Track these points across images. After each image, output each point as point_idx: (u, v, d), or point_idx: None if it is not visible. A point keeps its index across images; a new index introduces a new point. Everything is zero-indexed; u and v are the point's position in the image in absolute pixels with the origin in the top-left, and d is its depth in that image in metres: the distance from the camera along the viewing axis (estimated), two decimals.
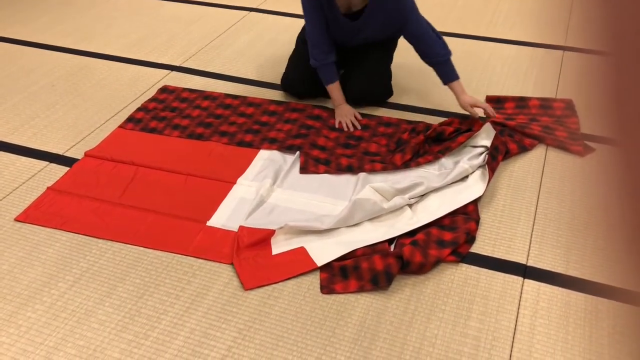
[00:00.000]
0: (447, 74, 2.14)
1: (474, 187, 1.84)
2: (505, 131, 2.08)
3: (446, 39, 2.87)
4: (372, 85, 2.28)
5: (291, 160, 2.01)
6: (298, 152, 2.04)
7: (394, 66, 2.39)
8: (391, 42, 2.33)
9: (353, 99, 2.25)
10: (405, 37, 2.19)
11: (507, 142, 2.02)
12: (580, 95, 2.05)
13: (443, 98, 2.35)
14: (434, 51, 2.12)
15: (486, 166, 1.88)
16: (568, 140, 2.05)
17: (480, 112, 2.14)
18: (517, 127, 2.09)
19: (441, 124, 2.13)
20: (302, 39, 2.34)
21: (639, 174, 0.32)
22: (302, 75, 2.31)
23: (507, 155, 1.99)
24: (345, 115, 2.19)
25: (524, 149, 2.02)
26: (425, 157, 1.97)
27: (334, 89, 2.21)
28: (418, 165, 1.94)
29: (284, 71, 2.38)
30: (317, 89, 2.30)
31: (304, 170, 1.96)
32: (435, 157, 1.96)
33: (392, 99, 2.36)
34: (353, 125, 2.17)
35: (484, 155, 1.94)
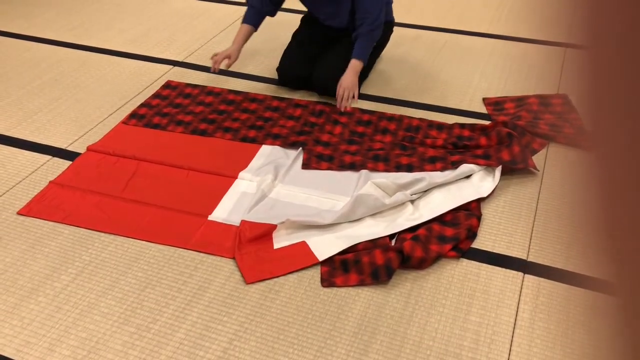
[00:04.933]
0: (355, 50, 2.20)
1: (478, 186, 1.83)
2: (518, 129, 2.04)
3: (448, 35, 2.88)
4: (331, 76, 2.29)
5: (293, 155, 2.01)
6: (300, 148, 2.04)
7: (392, 62, 2.40)
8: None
9: (317, 91, 2.35)
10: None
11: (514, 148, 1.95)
12: (571, 91, 2.05)
13: (443, 95, 2.36)
14: (358, 25, 2.18)
15: (491, 166, 1.89)
16: (577, 137, 2.05)
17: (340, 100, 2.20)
18: (527, 127, 2.08)
19: (451, 127, 2.13)
20: (295, 35, 2.47)
21: (612, 169, 0.33)
22: (294, 66, 2.38)
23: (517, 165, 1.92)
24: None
25: (533, 152, 2.01)
26: (434, 165, 1.92)
27: (242, 30, 2.35)
28: (422, 170, 1.92)
29: (280, 61, 2.43)
30: (310, 80, 2.35)
31: (306, 166, 1.97)
32: (444, 168, 1.90)
33: (392, 95, 2.36)
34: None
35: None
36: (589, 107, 0.34)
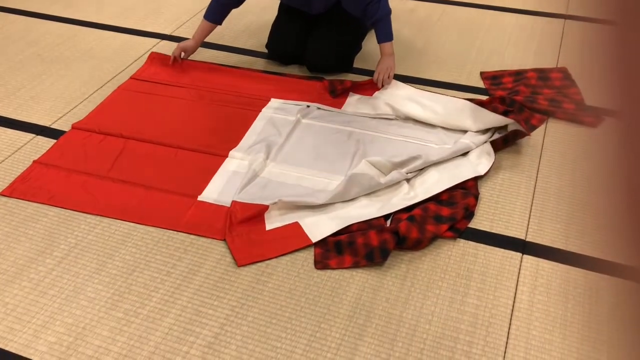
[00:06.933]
0: (378, 35, 2.13)
1: (475, 164, 1.78)
2: (516, 105, 1.99)
3: (446, 6, 2.81)
4: (325, 56, 2.22)
5: (285, 133, 1.95)
6: (298, 114, 2.01)
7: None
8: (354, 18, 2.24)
9: (308, 67, 2.27)
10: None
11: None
12: (583, 65, 2.01)
13: (440, 69, 2.30)
14: (366, 14, 2.08)
15: (489, 144, 1.83)
16: (577, 112, 2.00)
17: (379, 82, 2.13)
18: (525, 102, 2.02)
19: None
20: (282, 8, 2.36)
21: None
22: (285, 43, 2.29)
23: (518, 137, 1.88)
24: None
25: (532, 128, 1.96)
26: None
27: (203, 26, 2.22)
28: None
29: (268, 37, 2.34)
30: (301, 55, 2.28)
31: (333, 93, 2.08)
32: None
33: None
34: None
35: (488, 134, 1.89)
36: (616, 82, 0.31)
